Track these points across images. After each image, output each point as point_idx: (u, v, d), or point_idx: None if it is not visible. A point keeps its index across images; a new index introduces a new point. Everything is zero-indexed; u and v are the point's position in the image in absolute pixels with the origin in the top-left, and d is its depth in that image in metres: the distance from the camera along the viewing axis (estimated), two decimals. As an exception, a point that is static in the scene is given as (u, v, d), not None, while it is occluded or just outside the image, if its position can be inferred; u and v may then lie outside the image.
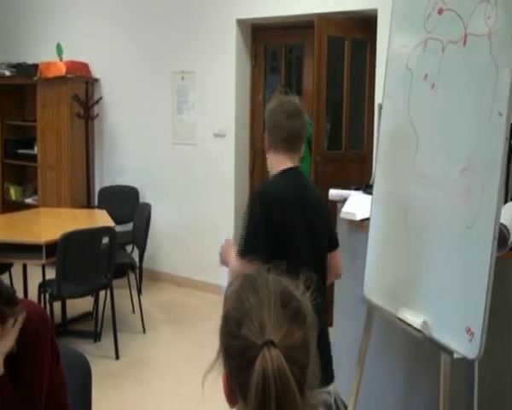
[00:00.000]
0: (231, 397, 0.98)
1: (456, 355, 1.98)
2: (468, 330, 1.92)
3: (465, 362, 1.99)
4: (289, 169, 2.29)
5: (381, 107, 3.67)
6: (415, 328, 2.18)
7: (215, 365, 1.01)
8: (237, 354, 0.93)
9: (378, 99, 4.25)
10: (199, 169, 5.53)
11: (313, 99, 4.63)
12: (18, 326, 1.56)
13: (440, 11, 2.28)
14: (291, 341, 0.93)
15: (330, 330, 3.21)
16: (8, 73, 6.50)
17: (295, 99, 2.32)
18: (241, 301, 0.97)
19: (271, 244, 2.18)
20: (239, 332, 0.94)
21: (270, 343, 0.90)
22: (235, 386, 0.96)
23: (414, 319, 2.19)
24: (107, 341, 4.24)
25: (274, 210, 2.20)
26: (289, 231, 2.23)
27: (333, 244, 2.40)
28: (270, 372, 0.88)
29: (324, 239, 2.34)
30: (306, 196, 2.29)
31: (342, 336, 3.18)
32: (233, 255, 2.22)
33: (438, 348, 2.11)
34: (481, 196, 1.96)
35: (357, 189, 3.45)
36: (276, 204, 2.21)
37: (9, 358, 1.56)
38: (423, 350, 2.58)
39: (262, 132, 5.38)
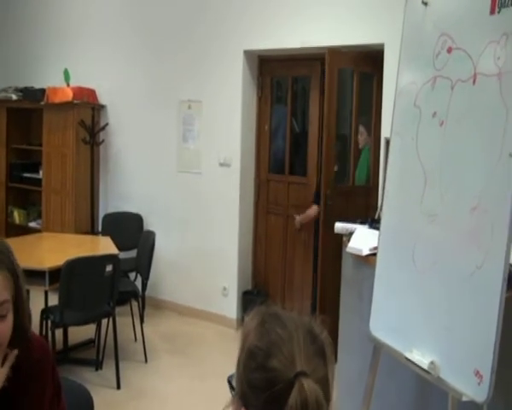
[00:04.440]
0: None
1: (464, 398, 1.95)
2: (477, 373, 1.90)
3: (473, 404, 1.95)
4: None
5: (387, 141, 3.68)
6: (422, 369, 2.15)
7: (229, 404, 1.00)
8: (266, 387, 0.92)
9: (384, 133, 4.26)
10: (204, 198, 5.53)
11: (320, 132, 4.62)
12: (8, 365, 1.51)
13: (450, 50, 2.29)
14: (319, 375, 0.94)
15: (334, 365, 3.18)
16: (14, 97, 6.55)
17: None
18: (268, 334, 0.96)
19: None
20: (268, 364, 0.93)
21: (304, 375, 0.90)
22: None
23: (421, 359, 2.16)
24: (108, 370, 4.19)
25: None
26: None
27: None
28: (310, 402, 0.88)
29: None
30: None
31: (347, 371, 3.14)
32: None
33: (446, 389, 2.07)
34: (491, 235, 1.95)
35: (362, 222, 3.44)
36: None
37: (4, 392, 1.52)
38: (430, 389, 2.54)
39: (267, 162, 5.44)
